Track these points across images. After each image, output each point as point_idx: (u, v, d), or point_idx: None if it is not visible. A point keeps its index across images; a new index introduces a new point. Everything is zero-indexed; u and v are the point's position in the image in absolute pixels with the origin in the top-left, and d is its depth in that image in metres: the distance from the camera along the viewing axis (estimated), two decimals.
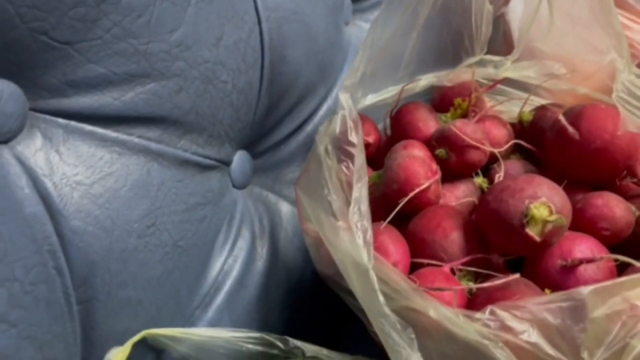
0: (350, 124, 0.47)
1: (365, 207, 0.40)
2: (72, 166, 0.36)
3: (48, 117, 0.36)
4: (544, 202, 0.39)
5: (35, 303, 0.33)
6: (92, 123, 0.37)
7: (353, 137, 0.46)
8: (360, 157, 0.44)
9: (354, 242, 0.39)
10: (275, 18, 0.50)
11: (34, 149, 0.35)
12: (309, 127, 0.60)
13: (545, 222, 0.39)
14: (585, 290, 0.34)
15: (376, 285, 0.35)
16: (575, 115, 0.47)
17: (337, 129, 0.47)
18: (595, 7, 0.49)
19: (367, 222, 0.39)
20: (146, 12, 0.37)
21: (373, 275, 0.36)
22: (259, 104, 0.51)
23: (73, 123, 0.37)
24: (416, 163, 0.47)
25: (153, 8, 0.37)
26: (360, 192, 0.41)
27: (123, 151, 0.38)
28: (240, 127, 0.49)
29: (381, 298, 0.34)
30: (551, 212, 0.39)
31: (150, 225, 0.39)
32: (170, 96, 0.40)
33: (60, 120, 0.36)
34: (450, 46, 0.52)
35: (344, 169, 0.45)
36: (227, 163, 0.50)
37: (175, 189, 0.41)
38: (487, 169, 0.54)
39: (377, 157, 0.57)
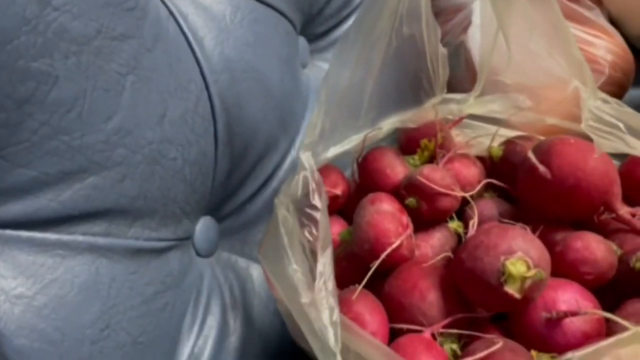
0: (312, 185, 0.45)
1: (331, 282, 0.38)
2: (10, 279, 0.33)
3: None
4: (520, 257, 0.37)
5: None
6: (29, 229, 0.35)
7: (316, 201, 0.44)
8: (324, 223, 0.42)
9: (320, 321, 0.36)
10: (224, 80, 0.48)
11: None
12: (274, 183, 0.58)
13: (524, 278, 0.37)
14: (574, 357, 0.33)
15: None
16: (544, 152, 0.45)
17: (299, 191, 0.45)
18: (552, 38, 0.48)
19: (333, 299, 0.37)
20: (76, 105, 0.35)
21: None
22: (217, 169, 0.49)
23: (8, 232, 0.34)
24: (385, 220, 0.45)
25: (83, 100, 0.35)
26: (325, 266, 0.39)
27: (66, 253, 0.36)
28: (197, 198, 0.46)
29: None
30: (529, 267, 0.37)
31: (104, 328, 0.36)
32: (113, 186, 0.37)
33: None
34: (409, 89, 0.50)
35: (306, 234, 0.43)
36: (187, 238, 0.47)
37: (130, 282, 0.39)
38: (462, 210, 0.52)
39: (347, 205, 0.55)
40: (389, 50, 0.47)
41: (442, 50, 0.47)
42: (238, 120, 0.50)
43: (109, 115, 0.37)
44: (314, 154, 0.47)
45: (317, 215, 0.43)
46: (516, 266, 0.37)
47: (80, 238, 0.36)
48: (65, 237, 0.36)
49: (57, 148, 0.34)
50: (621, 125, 0.45)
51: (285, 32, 0.58)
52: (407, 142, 0.57)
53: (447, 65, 0.48)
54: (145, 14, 0.41)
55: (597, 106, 0.47)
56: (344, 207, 0.56)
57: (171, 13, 0.46)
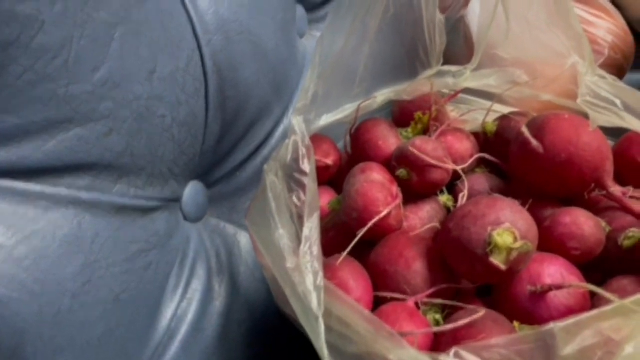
0: (302, 150, 0.44)
1: (316, 246, 0.38)
2: None
3: None
4: (507, 228, 0.37)
5: None
6: (11, 178, 0.34)
7: (305, 166, 0.43)
8: (312, 188, 0.41)
9: (304, 285, 0.36)
10: (217, 41, 0.47)
11: None
12: (265, 151, 0.57)
13: (510, 249, 0.37)
14: (555, 327, 0.32)
15: (323, 336, 0.33)
16: (538, 127, 0.45)
17: (289, 156, 0.45)
18: (552, 9, 0.47)
19: (318, 264, 0.37)
20: (62, 52, 0.34)
21: (322, 324, 0.33)
22: (207, 132, 0.48)
23: None
24: (375, 188, 0.45)
25: (70, 48, 0.34)
26: (312, 230, 0.38)
27: (49, 205, 0.35)
28: (185, 160, 0.46)
29: (326, 352, 0.32)
30: (516, 239, 0.37)
31: (85, 283, 0.36)
32: (99, 140, 0.37)
33: None
34: (405, 59, 0.49)
35: (294, 199, 0.42)
36: (175, 200, 0.47)
37: (113, 239, 0.38)
38: (452, 185, 0.51)
39: (338, 177, 0.55)
40: (386, 16, 0.46)
41: (440, 18, 0.46)
42: (231, 83, 0.49)
43: (96, 66, 0.36)
44: (306, 120, 0.47)
45: (306, 180, 0.42)
46: (503, 237, 0.37)
47: (64, 191, 0.36)
48: (48, 189, 0.35)
49: (42, 96, 0.33)
50: (618, 102, 0.45)
51: None
52: (401, 115, 0.56)
53: (444, 34, 0.47)
54: None
55: (595, 82, 0.46)
56: (334, 178, 0.55)
57: None
